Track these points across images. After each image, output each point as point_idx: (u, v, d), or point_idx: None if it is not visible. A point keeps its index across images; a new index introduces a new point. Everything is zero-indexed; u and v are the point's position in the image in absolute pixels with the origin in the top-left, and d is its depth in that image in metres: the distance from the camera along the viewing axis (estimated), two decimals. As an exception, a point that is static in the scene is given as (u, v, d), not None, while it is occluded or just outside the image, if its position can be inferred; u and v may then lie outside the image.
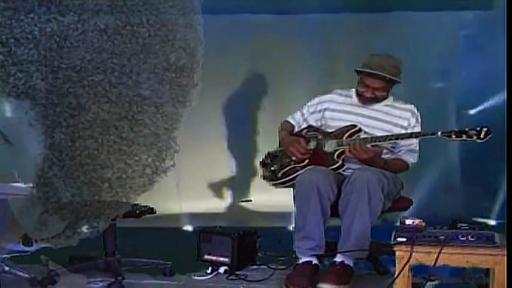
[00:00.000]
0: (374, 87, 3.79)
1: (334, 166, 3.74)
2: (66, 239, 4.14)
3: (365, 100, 3.84)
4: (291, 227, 4.75)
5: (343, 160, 3.76)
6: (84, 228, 4.18)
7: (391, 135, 3.75)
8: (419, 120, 3.94)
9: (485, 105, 5.94)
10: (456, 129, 3.54)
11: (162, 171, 4.12)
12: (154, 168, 4.16)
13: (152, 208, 4.07)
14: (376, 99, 3.83)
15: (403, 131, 3.82)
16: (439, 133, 3.58)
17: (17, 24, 4.05)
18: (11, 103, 4.06)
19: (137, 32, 4.13)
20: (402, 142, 3.82)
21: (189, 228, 5.56)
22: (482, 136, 3.45)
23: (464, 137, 3.48)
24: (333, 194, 3.64)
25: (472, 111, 6.23)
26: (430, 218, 3.23)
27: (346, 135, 3.80)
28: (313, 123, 3.96)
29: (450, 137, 3.53)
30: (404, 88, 5.21)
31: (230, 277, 3.78)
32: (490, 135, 3.47)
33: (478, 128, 3.46)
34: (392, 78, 3.76)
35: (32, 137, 4.11)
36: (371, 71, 3.73)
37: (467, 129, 3.48)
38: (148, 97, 4.18)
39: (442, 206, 5.81)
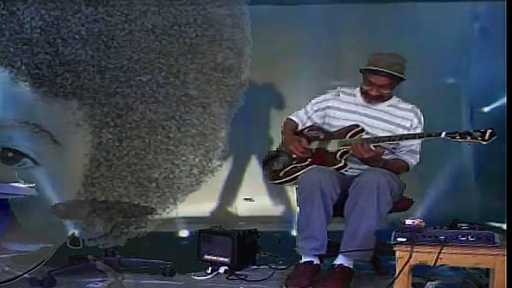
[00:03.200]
0: (379, 85, 3.79)
1: (337, 166, 3.75)
2: (114, 239, 4.16)
3: (370, 98, 3.84)
4: (292, 231, 4.75)
5: (345, 160, 3.77)
6: (132, 228, 4.20)
7: (395, 136, 3.75)
8: (422, 121, 3.94)
9: (501, 102, 5.78)
10: (461, 131, 3.53)
11: (209, 171, 4.15)
12: (202, 168, 4.18)
13: (153, 208, 4.06)
14: (382, 97, 3.84)
15: (406, 132, 3.84)
16: (443, 134, 3.56)
17: (64, 24, 4.03)
18: (59, 103, 4.04)
19: (184, 32, 4.13)
20: (403, 143, 3.84)
21: (185, 233, 5.42)
22: (487, 137, 3.41)
23: (468, 138, 3.44)
24: (336, 194, 3.63)
25: (487, 109, 6.02)
26: (442, 223, 3.24)
27: (349, 135, 3.79)
28: (318, 121, 3.96)
29: (454, 138, 3.49)
30: (414, 84, 5.14)
31: (230, 277, 3.77)
32: (495, 137, 3.45)
33: (483, 129, 3.44)
34: (399, 75, 3.77)
35: (79, 137, 4.10)
36: (378, 69, 3.74)
37: (471, 130, 3.49)
38: (195, 97, 4.19)
39: (455, 210, 5.72)
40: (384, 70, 3.70)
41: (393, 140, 3.69)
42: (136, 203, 4.13)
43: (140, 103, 4.13)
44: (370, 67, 3.73)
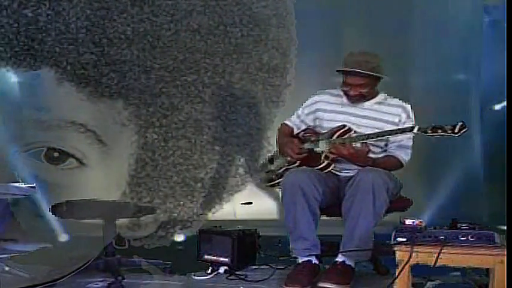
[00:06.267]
0: (355, 84, 3.79)
1: (320, 166, 3.76)
2: (159, 239, 4.16)
3: (352, 98, 3.84)
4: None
5: (331, 160, 3.77)
6: (178, 229, 4.19)
7: (373, 134, 3.74)
8: (411, 116, 3.92)
9: (513, 99, 5.53)
10: (433, 125, 3.55)
11: (255, 171, 4.14)
12: (247, 168, 4.18)
13: (153, 208, 4.03)
14: (363, 97, 3.83)
15: (395, 128, 3.83)
16: (416, 128, 3.59)
17: (109, 24, 4.03)
18: (104, 103, 4.05)
19: (230, 32, 4.13)
20: (392, 138, 3.83)
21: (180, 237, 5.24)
22: (456, 130, 3.45)
23: (440, 131, 3.46)
24: (319, 194, 3.61)
25: (497, 107, 5.85)
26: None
27: (336, 135, 3.80)
28: (311, 124, 3.97)
29: (426, 132, 3.53)
30: (422, 80, 5.06)
31: (230, 277, 3.75)
32: (465, 130, 3.48)
33: (454, 123, 3.48)
34: (372, 74, 3.75)
35: (124, 137, 4.10)
36: (349, 69, 3.73)
37: (444, 124, 3.51)
38: (241, 97, 4.19)
39: (464, 214, 5.53)
40: (356, 70, 3.67)
41: (371, 138, 3.68)
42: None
43: (186, 103, 4.13)
44: (343, 68, 3.71)
